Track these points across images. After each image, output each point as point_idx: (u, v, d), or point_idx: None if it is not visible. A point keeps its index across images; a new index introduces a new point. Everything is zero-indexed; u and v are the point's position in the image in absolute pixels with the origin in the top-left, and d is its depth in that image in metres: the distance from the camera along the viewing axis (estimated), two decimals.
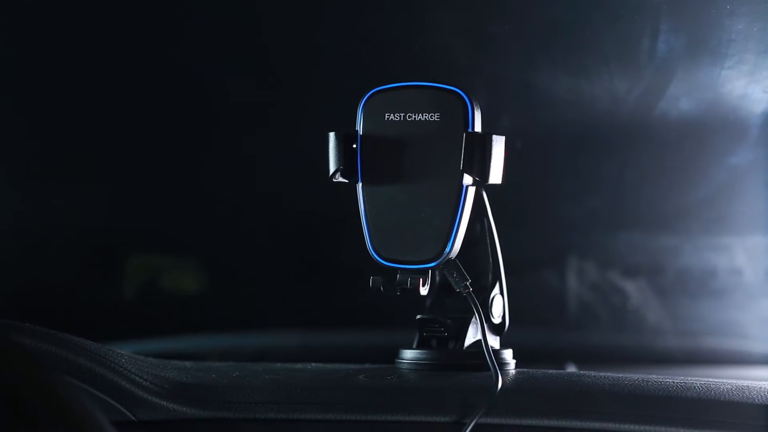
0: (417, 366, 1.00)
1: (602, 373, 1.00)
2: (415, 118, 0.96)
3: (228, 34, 1.50)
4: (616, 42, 1.43)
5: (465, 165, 0.94)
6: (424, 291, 0.98)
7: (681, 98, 1.47)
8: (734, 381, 0.97)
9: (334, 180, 0.98)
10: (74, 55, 1.50)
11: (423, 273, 0.97)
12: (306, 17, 1.49)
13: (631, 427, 0.89)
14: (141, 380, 0.94)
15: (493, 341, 1.02)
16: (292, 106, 1.53)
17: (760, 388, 0.94)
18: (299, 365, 1.08)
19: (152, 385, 0.94)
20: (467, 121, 0.95)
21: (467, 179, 0.95)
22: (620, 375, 0.99)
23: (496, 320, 1.03)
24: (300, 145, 1.51)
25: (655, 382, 0.96)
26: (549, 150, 1.58)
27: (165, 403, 0.93)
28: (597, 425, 0.90)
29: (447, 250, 0.95)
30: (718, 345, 1.64)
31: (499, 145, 0.94)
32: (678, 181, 1.61)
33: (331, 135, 0.97)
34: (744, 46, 1.34)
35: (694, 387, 0.94)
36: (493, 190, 1.01)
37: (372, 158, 0.97)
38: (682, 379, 0.97)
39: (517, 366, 1.03)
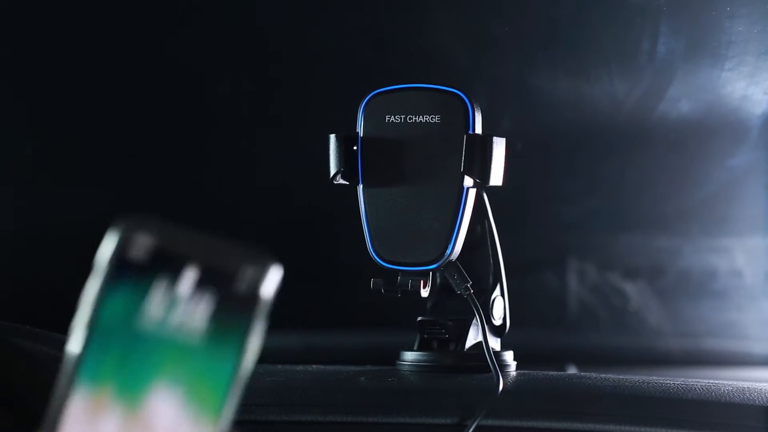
0: (418, 368, 1.00)
1: (603, 375, 1.00)
2: (415, 119, 0.96)
3: (228, 35, 1.50)
4: (616, 43, 1.43)
5: (466, 167, 0.94)
6: (424, 293, 0.98)
7: (681, 100, 1.47)
8: (735, 383, 0.97)
9: (335, 182, 0.98)
10: (74, 54, 1.50)
11: (424, 275, 0.97)
12: (306, 18, 1.49)
13: (632, 428, 0.89)
14: None
15: (494, 343, 1.02)
16: (292, 107, 1.53)
17: (761, 389, 0.94)
18: (300, 367, 1.08)
19: None
20: (468, 123, 0.95)
21: (468, 181, 0.95)
22: (621, 376, 0.99)
23: (497, 322, 1.03)
24: (300, 146, 1.51)
25: (656, 383, 0.96)
26: (549, 151, 1.58)
27: None
28: (598, 427, 0.90)
29: (448, 252, 0.95)
30: (718, 346, 1.64)
31: (499, 147, 0.95)
32: (678, 182, 1.61)
33: (332, 137, 0.97)
34: (744, 48, 1.34)
35: (695, 388, 0.94)
36: (493, 191, 1.01)
37: (372, 160, 0.97)
38: (682, 381, 0.97)
39: (517, 368, 1.03)
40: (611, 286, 1.64)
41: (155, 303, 0.61)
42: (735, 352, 1.64)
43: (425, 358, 1.01)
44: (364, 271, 0.99)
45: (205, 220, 1.59)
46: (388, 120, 0.97)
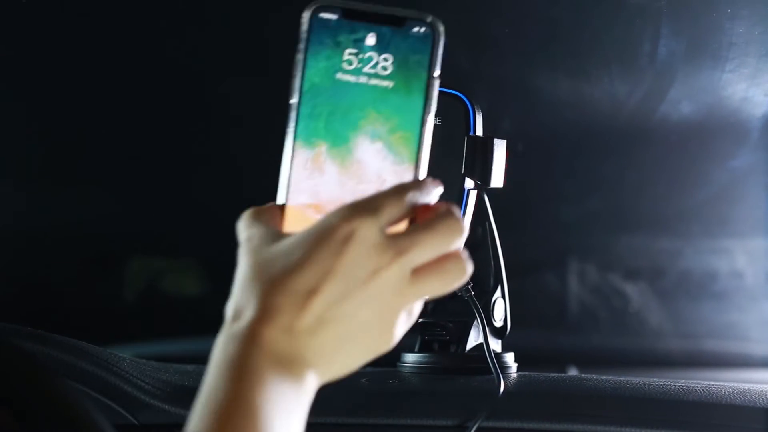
0: (419, 370, 1.00)
1: (603, 377, 1.00)
2: None
3: (228, 36, 1.50)
4: (616, 45, 1.43)
5: (466, 169, 0.94)
6: None
7: (682, 101, 1.47)
8: (735, 384, 0.97)
9: None
10: (75, 58, 1.50)
11: None
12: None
13: (633, 430, 0.90)
14: (143, 384, 0.94)
15: (495, 344, 1.02)
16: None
17: (761, 391, 0.94)
18: None
19: (154, 389, 0.94)
20: (468, 125, 0.95)
21: (469, 183, 0.95)
22: (621, 378, 0.99)
23: (498, 324, 1.03)
24: None
25: (657, 385, 0.96)
26: (549, 153, 1.58)
27: (167, 406, 0.93)
28: (599, 428, 0.90)
29: None
30: (719, 348, 1.64)
31: (500, 149, 0.95)
32: (679, 183, 1.61)
33: None
34: (745, 50, 1.34)
35: (696, 390, 0.94)
36: (494, 193, 1.01)
37: None
38: (683, 383, 0.97)
39: (518, 369, 1.03)
40: (612, 287, 1.64)
41: (348, 54, 0.75)
42: (735, 353, 1.64)
43: (426, 359, 1.01)
44: None
45: (207, 222, 1.59)
46: None
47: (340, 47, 0.76)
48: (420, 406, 0.92)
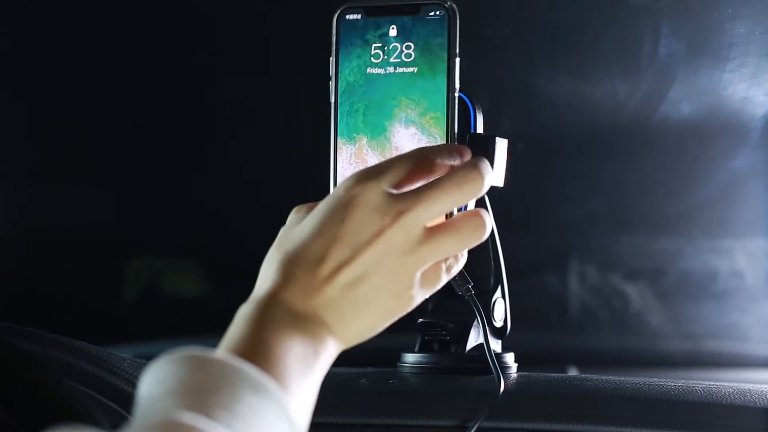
0: (419, 370, 1.00)
1: (604, 377, 1.00)
2: None
3: (229, 37, 1.50)
4: (617, 45, 1.43)
5: None
6: None
7: (682, 102, 1.47)
8: (736, 384, 0.97)
9: None
10: (75, 57, 1.50)
11: None
12: (307, 23, 1.49)
13: (633, 430, 0.89)
14: None
15: (495, 345, 1.02)
16: (293, 111, 1.53)
17: (761, 391, 0.94)
18: None
19: None
20: (469, 124, 0.95)
21: None
22: (622, 378, 0.99)
23: (498, 324, 1.03)
24: (300, 147, 1.51)
25: (657, 385, 0.96)
26: (550, 153, 1.58)
27: None
28: (599, 429, 0.90)
29: None
30: (719, 348, 1.64)
31: (501, 147, 0.94)
32: (679, 184, 1.61)
33: None
34: (745, 50, 1.34)
35: (696, 390, 0.94)
36: (494, 193, 1.01)
37: None
38: (683, 383, 0.97)
39: (518, 369, 1.03)
40: (612, 288, 1.64)
41: (375, 49, 0.81)
42: (736, 353, 1.64)
43: (426, 359, 1.00)
44: None
45: (207, 222, 1.59)
46: None
47: (368, 44, 0.82)
48: (420, 407, 0.92)
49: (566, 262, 1.62)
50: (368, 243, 0.69)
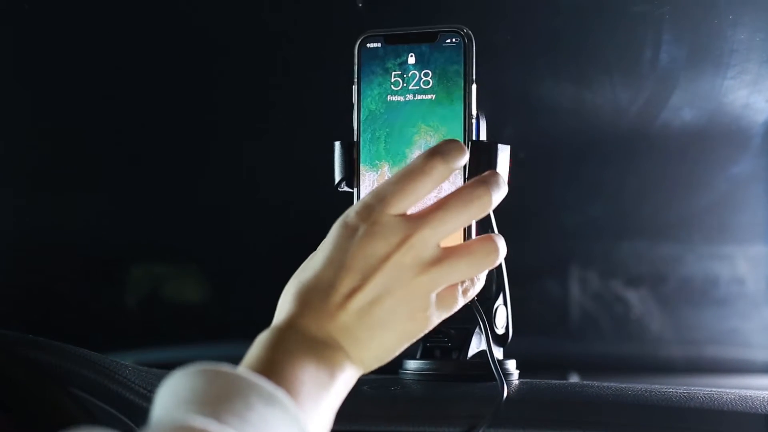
0: (421, 377, 1.00)
1: (605, 383, 1.00)
2: None
3: (229, 39, 1.51)
4: (618, 52, 1.43)
5: (470, 174, 0.94)
6: None
7: (683, 108, 1.47)
8: (737, 391, 0.97)
9: (340, 189, 0.97)
10: (78, 62, 1.50)
11: None
12: (310, 27, 1.49)
13: None
14: (144, 391, 0.94)
15: (497, 351, 1.02)
16: (294, 114, 1.53)
17: (763, 398, 0.94)
18: None
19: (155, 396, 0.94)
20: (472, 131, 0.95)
21: None
22: (623, 385, 0.98)
23: (500, 330, 1.03)
24: (302, 152, 1.51)
25: (658, 391, 0.96)
26: (551, 159, 1.58)
27: None
28: None
29: None
30: (720, 354, 1.64)
31: (504, 154, 0.94)
32: (680, 190, 1.61)
33: (337, 144, 0.97)
34: (746, 56, 1.35)
35: (697, 397, 0.94)
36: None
37: None
38: (685, 389, 0.97)
39: (520, 376, 1.03)
40: (613, 294, 1.64)
41: (395, 77, 0.83)
42: (737, 359, 1.64)
43: (428, 366, 1.00)
44: None
45: (208, 229, 1.59)
46: None
47: (388, 72, 0.84)
48: (422, 414, 0.92)
49: (567, 268, 1.62)
50: (377, 268, 0.70)
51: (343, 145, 0.95)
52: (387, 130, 0.84)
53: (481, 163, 0.94)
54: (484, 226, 1.02)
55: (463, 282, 0.74)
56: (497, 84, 1.48)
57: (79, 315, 1.58)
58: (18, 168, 1.55)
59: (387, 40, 0.84)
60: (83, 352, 0.96)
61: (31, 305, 1.55)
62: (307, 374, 0.68)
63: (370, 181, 0.84)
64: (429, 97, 0.83)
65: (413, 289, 0.71)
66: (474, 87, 0.83)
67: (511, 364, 1.02)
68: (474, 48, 0.83)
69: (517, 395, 0.95)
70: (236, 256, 1.60)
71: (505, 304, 1.03)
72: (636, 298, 1.63)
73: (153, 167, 1.58)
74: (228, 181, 1.59)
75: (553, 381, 1.03)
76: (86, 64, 1.51)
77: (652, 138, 1.53)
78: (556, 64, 1.47)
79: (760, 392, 0.96)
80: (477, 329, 1.00)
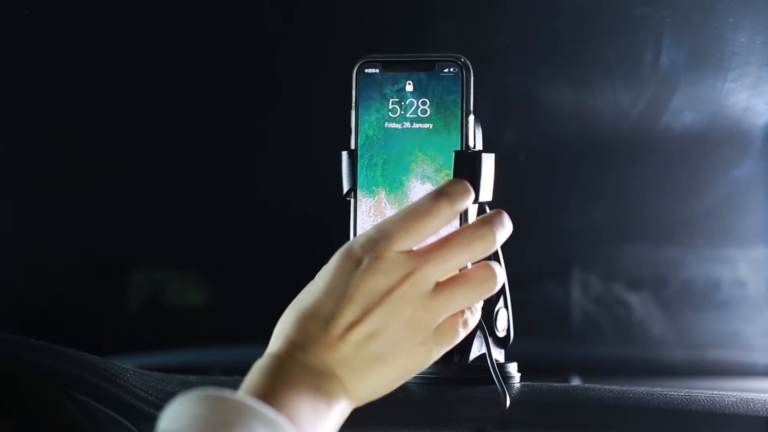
0: (421, 380, 1.00)
1: (607, 386, 0.99)
2: None
3: (229, 41, 1.51)
4: (619, 55, 1.43)
5: None
6: None
7: (684, 111, 1.47)
8: (739, 393, 0.97)
9: (348, 199, 0.96)
10: (77, 64, 1.50)
11: None
12: (310, 27, 1.49)
13: None
14: (146, 395, 0.94)
15: (498, 355, 1.02)
16: (294, 114, 1.53)
17: (764, 400, 0.94)
18: None
19: (157, 400, 0.94)
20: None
21: None
22: (625, 388, 0.98)
23: (501, 333, 1.03)
24: (302, 152, 1.51)
25: (660, 394, 0.95)
26: (552, 163, 1.58)
27: None
28: None
29: None
30: (722, 357, 1.64)
31: (488, 163, 0.94)
32: (681, 193, 1.61)
33: (344, 154, 0.95)
34: (747, 59, 1.35)
35: (699, 400, 0.94)
36: (497, 202, 1.00)
37: None
38: (686, 392, 0.96)
39: (521, 379, 1.03)
40: (615, 297, 1.63)
41: (392, 103, 0.83)
42: (739, 362, 1.64)
43: (429, 370, 1.00)
44: None
45: (209, 233, 1.59)
46: None
47: (386, 98, 0.84)
48: (423, 417, 0.92)
49: (569, 271, 1.62)
50: (378, 302, 0.70)
51: (350, 155, 0.94)
52: (384, 156, 0.85)
53: (465, 173, 0.93)
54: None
55: (462, 313, 0.75)
56: (498, 87, 1.49)
57: (79, 315, 1.58)
58: (18, 168, 1.55)
59: (385, 66, 0.84)
60: (84, 356, 0.96)
61: (31, 306, 1.55)
62: (305, 402, 0.68)
63: (366, 207, 0.84)
64: (426, 126, 0.84)
65: (413, 322, 0.71)
66: (471, 118, 0.83)
67: (513, 367, 1.02)
68: (472, 78, 0.83)
69: (519, 398, 0.95)
70: (236, 257, 1.60)
71: (506, 306, 1.03)
72: (637, 301, 1.63)
73: (153, 167, 1.58)
74: (228, 181, 1.58)
75: (555, 384, 1.02)
76: (86, 64, 1.51)
77: (653, 141, 1.53)
78: (557, 67, 1.47)
79: (762, 395, 0.96)
80: (478, 332, 1.00)
